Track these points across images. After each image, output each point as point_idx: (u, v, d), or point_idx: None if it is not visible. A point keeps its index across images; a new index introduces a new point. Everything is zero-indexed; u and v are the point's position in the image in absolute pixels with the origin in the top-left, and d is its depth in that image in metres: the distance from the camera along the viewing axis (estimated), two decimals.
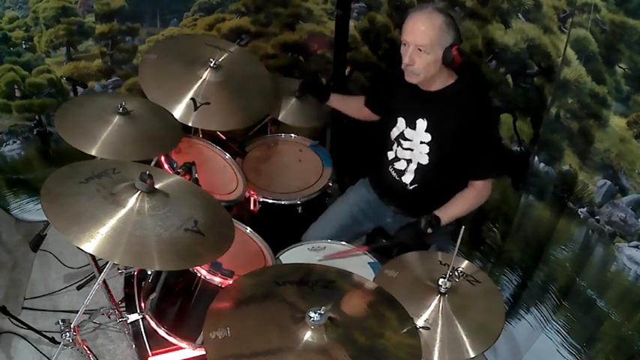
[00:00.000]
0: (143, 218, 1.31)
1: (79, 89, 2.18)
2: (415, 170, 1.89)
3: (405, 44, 1.72)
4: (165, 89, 1.93)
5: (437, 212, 1.80)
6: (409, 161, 1.90)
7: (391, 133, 1.93)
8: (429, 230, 1.75)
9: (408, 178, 1.92)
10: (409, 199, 1.96)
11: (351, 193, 2.16)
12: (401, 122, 1.89)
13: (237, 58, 2.11)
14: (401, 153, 1.91)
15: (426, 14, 1.67)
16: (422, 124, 1.82)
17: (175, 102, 1.90)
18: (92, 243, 1.21)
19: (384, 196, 2.06)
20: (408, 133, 1.87)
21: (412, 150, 1.88)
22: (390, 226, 2.08)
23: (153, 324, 1.75)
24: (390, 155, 1.96)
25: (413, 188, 1.93)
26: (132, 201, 1.33)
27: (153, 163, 1.88)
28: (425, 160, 1.86)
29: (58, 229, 1.23)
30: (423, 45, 1.67)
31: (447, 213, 1.80)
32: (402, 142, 1.90)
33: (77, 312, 1.60)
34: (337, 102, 2.25)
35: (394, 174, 1.96)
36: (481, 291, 1.48)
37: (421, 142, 1.84)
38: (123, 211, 1.30)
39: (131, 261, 1.26)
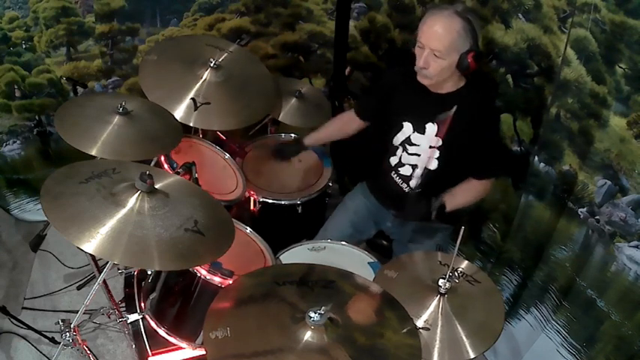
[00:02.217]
0: (143, 218, 1.31)
1: (79, 89, 2.18)
2: (422, 175, 1.86)
3: (420, 46, 1.67)
4: (166, 89, 1.93)
5: (444, 198, 1.77)
6: (415, 166, 1.86)
7: (395, 138, 1.88)
8: (434, 215, 1.73)
9: (414, 183, 1.89)
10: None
11: (349, 201, 2.13)
12: (407, 127, 1.84)
13: (238, 58, 2.11)
14: (406, 158, 1.87)
15: (445, 17, 1.62)
16: (432, 128, 1.78)
17: (176, 102, 1.90)
18: (92, 243, 1.21)
19: (384, 201, 2.04)
20: (416, 137, 1.82)
21: (419, 155, 1.83)
22: (390, 230, 2.07)
23: (153, 324, 1.75)
24: (394, 161, 1.91)
25: (416, 192, 1.90)
26: (132, 201, 1.32)
27: (153, 163, 1.88)
28: (434, 165, 1.82)
29: (58, 229, 1.23)
30: (439, 49, 1.63)
31: (453, 201, 1.78)
32: (407, 147, 1.85)
33: (77, 312, 1.60)
34: (314, 138, 2.16)
35: (398, 179, 1.92)
36: (481, 291, 1.48)
37: (430, 147, 1.80)
38: (123, 211, 1.30)
39: (131, 261, 1.26)
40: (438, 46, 1.62)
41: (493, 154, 1.83)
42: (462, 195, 1.81)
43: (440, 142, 1.78)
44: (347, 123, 2.11)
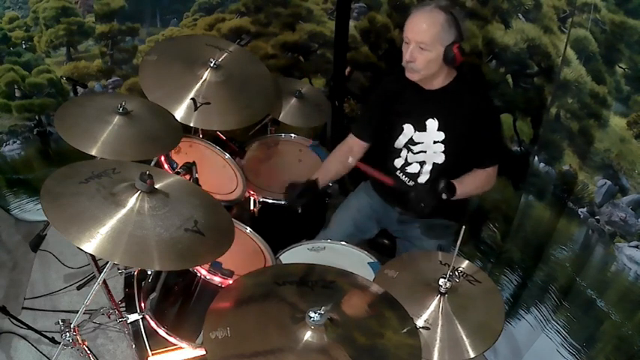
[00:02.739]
0: (143, 218, 1.31)
1: (79, 89, 2.18)
2: (431, 170, 1.88)
3: (406, 42, 1.72)
4: (166, 90, 1.93)
5: (454, 181, 1.79)
6: (422, 163, 1.88)
7: (397, 142, 1.90)
8: (444, 196, 1.73)
9: (423, 179, 1.90)
10: None
11: (353, 200, 2.13)
12: (408, 128, 1.86)
13: (238, 58, 2.11)
14: (412, 157, 1.89)
15: (428, 12, 1.68)
16: (433, 123, 1.81)
17: (176, 102, 1.90)
18: (92, 243, 1.21)
19: (388, 198, 2.04)
20: (418, 136, 1.85)
21: (425, 152, 1.85)
22: (394, 228, 2.07)
23: (153, 324, 1.75)
24: (399, 162, 1.92)
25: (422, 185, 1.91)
26: (132, 201, 1.32)
27: (153, 163, 1.88)
28: (441, 159, 1.84)
29: (58, 229, 1.23)
30: (423, 42, 1.67)
31: (461, 187, 1.79)
32: (412, 147, 1.87)
33: (77, 312, 1.60)
34: (324, 178, 2.01)
35: (404, 178, 1.93)
36: (481, 291, 1.48)
37: (435, 142, 1.82)
38: (123, 211, 1.30)
39: (131, 261, 1.26)
40: (424, 39, 1.67)
41: (494, 142, 1.84)
42: (468, 183, 1.82)
43: (444, 136, 1.80)
44: (349, 150, 2.02)
